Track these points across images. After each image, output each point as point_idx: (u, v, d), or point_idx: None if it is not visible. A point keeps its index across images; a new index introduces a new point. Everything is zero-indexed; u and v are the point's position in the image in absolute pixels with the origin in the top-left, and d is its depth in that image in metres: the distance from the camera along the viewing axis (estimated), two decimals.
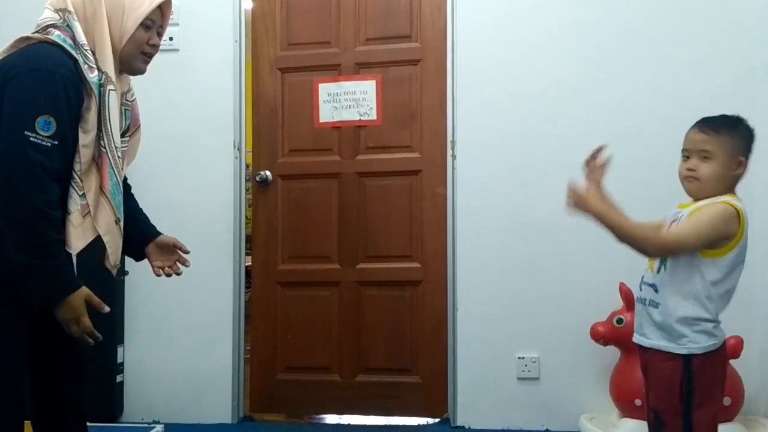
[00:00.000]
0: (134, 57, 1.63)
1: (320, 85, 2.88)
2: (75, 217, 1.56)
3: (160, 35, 1.69)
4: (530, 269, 2.70)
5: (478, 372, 2.73)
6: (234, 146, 2.87)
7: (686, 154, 1.61)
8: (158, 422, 2.79)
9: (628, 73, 2.68)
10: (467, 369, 2.74)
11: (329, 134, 2.91)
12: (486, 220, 2.73)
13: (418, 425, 2.81)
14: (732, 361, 2.33)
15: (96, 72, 1.55)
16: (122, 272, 2.86)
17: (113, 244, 1.69)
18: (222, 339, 2.85)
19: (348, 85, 2.87)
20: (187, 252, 1.88)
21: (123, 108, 1.70)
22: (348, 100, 2.87)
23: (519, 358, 2.70)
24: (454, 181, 2.77)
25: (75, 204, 1.55)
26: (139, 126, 1.80)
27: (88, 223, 1.60)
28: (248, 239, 3.02)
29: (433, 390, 2.83)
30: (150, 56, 1.68)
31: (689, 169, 1.59)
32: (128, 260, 2.84)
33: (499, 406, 2.71)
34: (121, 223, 1.70)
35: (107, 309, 1.55)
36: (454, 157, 2.77)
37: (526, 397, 2.70)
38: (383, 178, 2.89)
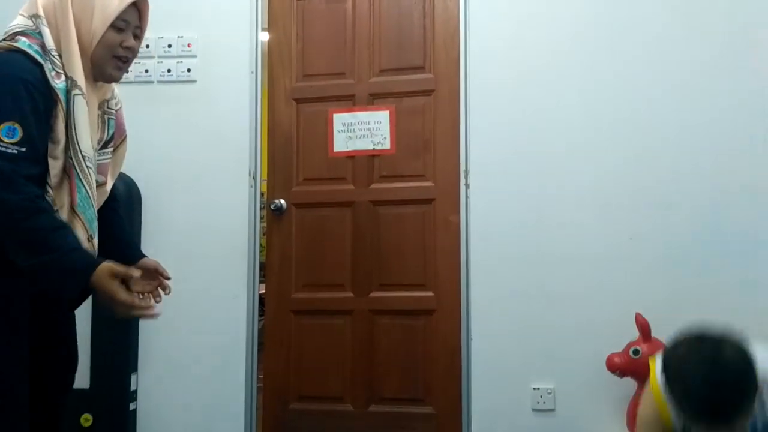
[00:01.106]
0: (106, 61, 1.52)
1: (335, 116, 2.92)
2: None
3: (138, 38, 1.57)
4: (545, 298, 2.68)
5: (493, 403, 2.70)
6: (249, 175, 2.90)
7: None
8: None
9: (645, 97, 2.69)
10: (481, 399, 2.71)
11: (343, 163, 2.93)
12: (500, 248, 2.73)
13: None
14: None
15: (63, 78, 1.47)
16: None
17: None
18: (235, 367, 2.85)
19: (362, 116, 2.90)
20: (168, 278, 1.74)
21: (106, 117, 1.63)
22: (362, 130, 2.90)
23: (534, 388, 2.67)
24: (467, 210, 2.77)
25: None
26: (126, 137, 1.73)
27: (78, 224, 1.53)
28: (262, 267, 3.03)
29: (446, 421, 2.80)
30: (125, 61, 1.56)
31: None
32: None
33: None
34: (95, 240, 1.60)
35: (137, 272, 1.48)
36: (467, 185, 2.78)
37: (542, 429, 2.66)
38: (397, 206, 2.90)
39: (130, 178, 2.81)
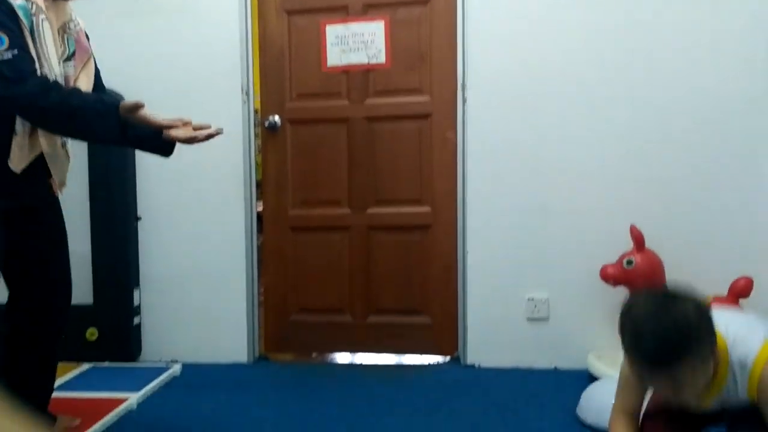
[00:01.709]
0: None
1: (328, 27, 2.83)
2: (20, 138, 1.70)
3: None
4: (541, 212, 2.71)
5: (488, 313, 2.78)
6: (242, 91, 2.85)
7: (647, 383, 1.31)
8: (175, 361, 2.87)
9: (651, 6, 2.61)
10: (477, 310, 2.79)
11: (338, 78, 2.87)
12: (497, 163, 2.72)
13: (429, 364, 2.88)
14: (741, 301, 2.36)
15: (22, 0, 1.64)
16: (136, 217, 2.89)
17: (58, 166, 1.83)
18: (236, 282, 2.90)
19: (356, 27, 2.82)
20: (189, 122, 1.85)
21: (65, 36, 1.80)
22: (356, 43, 2.82)
23: (529, 299, 2.74)
24: (464, 125, 2.75)
25: (21, 125, 1.69)
26: (91, 56, 1.90)
27: (33, 142, 1.73)
28: (258, 185, 3.03)
29: (443, 330, 2.89)
30: None
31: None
32: (140, 205, 2.89)
33: (508, 345, 2.76)
34: (68, 147, 1.88)
35: (142, 102, 1.70)
36: (464, 99, 2.74)
37: (536, 337, 2.75)
38: (393, 122, 2.87)
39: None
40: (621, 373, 1.41)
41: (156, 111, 1.78)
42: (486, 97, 2.72)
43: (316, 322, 2.99)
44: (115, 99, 1.78)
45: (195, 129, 1.79)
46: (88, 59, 1.90)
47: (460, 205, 2.80)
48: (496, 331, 2.77)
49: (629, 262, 2.46)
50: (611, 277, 2.50)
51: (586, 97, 2.67)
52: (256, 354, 2.98)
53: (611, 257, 2.53)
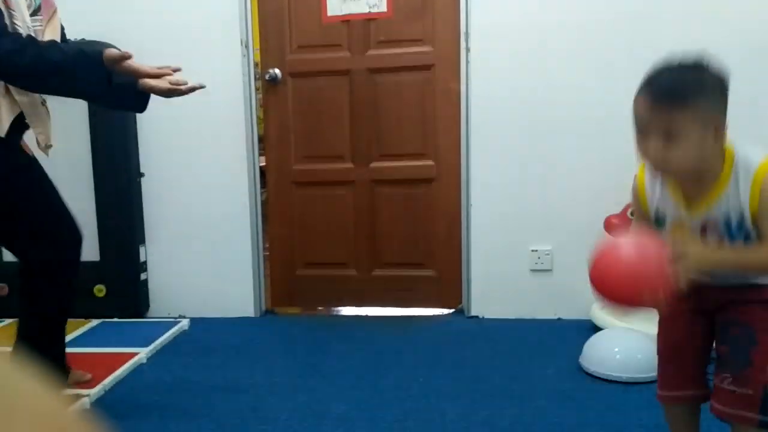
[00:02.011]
0: None
1: None
2: None
3: None
4: (545, 164, 2.69)
5: (492, 265, 2.79)
6: (242, 44, 2.80)
7: (641, 130, 1.18)
8: (183, 316, 2.91)
9: None
10: (481, 262, 2.80)
11: (338, 29, 2.82)
12: (501, 115, 2.70)
13: (433, 315, 2.91)
14: None
15: None
16: (139, 174, 2.89)
17: (39, 123, 1.80)
18: (241, 237, 2.92)
19: None
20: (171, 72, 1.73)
21: None
22: None
23: (532, 251, 2.75)
24: (468, 75, 2.71)
25: None
26: (56, 10, 1.85)
27: (10, 101, 1.70)
28: (260, 139, 3.01)
29: (447, 283, 2.91)
30: None
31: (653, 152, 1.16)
32: (144, 162, 2.88)
33: (512, 296, 2.79)
34: (48, 105, 1.84)
35: (130, 53, 1.64)
36: (468, 49, 2.69)
37: (539, 288, 2.77)
38: (395, 74, 2.83)
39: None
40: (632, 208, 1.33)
41: (154, 63, 1.73)
42: (489, 47, 2.67)
43: (321, 276, 3.01)
44: (96, 49, 1.66)
45: (172, 84, 1.68)
46: (54, 13, 1.85)
47: (464, 159, 2.78)
48: (499, 283, 2.79)
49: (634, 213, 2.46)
50: (615, 227, 2.50)
51: (590, 47, 2.62)
52: (263, 308, 3.01)
53: (615, 208, 2.53)
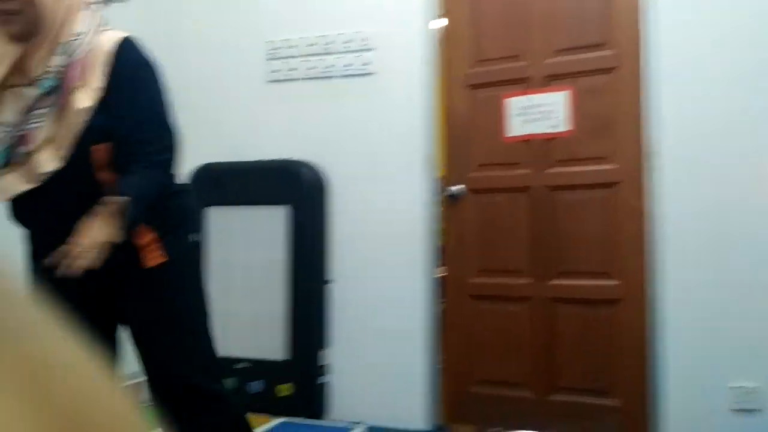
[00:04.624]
0: None
1: (509, 100, 2.87)
2: None
3: None
4: (744, 288, 2.43)
5: (685, 400, 2.51)
6: (426, 162, 2.97)
7: None
8: (359, 423, 2.95)
9: None
10: (672, 396, 2.54)
11: (519, 148, 2.88)
12: (691, 235, 2.51)
13: None
14: None
15: None
16: (326, 280, 3.08)
17: None
18: (416, 346, 2.95)
19: (537, 98, 2.82)
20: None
21: (24, 85, 1.45)
22: (537, 113, 2.82)
23: (732, 387, 2.44)
24: (653, 194, 2.59)
25: None
26: (82, 85, 1.46)
27: None
28: (439, 252, 3.10)
29: (632, 416, 2.66)
30: (8, 12, 1.40)
31: None
32: (333, 268, 3.08)
33: None
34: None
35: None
36: (653, 168, 2.59)
37: None
38: (576, 191, 2.79)
39: (316, 168, 3.04)
40: None
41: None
42: (676, 164, 2.54)
43: (495, 395, 2.92)
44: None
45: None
46: (76, 89, 1.54)
47: (652, 280, 2.61)
48: (693, 422, 2.49)
49: None
50: None
51: None
52: (436, 422, 2.97)
53: None
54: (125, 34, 1.54)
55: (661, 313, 2.57)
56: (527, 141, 2.86)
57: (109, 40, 1.50)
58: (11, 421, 0.20)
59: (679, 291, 2.54)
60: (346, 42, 3.09)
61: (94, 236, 1.39)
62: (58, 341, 0.24)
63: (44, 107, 1.44)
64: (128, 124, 1.50)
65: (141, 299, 1.57)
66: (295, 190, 3.03)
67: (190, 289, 1.62)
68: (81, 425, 0.22)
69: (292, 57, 3.18)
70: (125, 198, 1.43)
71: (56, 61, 1.45)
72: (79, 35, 1.47)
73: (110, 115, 1.47)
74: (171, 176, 1.59)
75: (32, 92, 1.44)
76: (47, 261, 1.39)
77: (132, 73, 1.51)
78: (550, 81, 2.82)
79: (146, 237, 1.52)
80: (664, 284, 2.57)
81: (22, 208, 1.54)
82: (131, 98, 1.50)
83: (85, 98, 1.45)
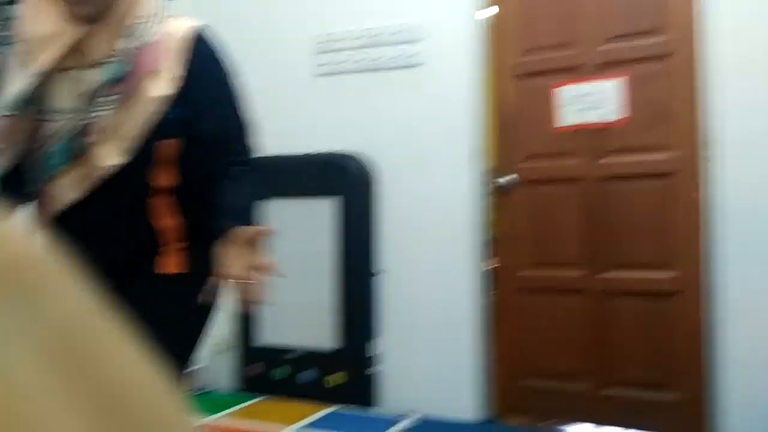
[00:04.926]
0: None
1: (560, 89, 2.82)
2: None
3: None
4: None
5: (746, 395, 2.44)
6: (474, 153, 2.95)
7: None
8: (410, 413, 2.95)
9: None
10: (732, 391, 2.47)
11: (570, 138, 2.83)
12: (752, 225, 2.43)
13: None
14: None
15: None
16: (373, 271, 3.09)
17: None
18: (468, 339, 2.94)
19: (588, 87, 2.76)
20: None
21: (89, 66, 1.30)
22: (589, 102, 2.76)
23: None
24: (712, 183, 2.51)
25: None
26: (155, 71, 1.32)
27: None
28: (489, 243, 3.08)
29: (691, 411, 2.60)
30: None
31: None
32: (386, 259, 3.09)
33: None
34: None
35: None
36: (710, 157, 2.51)
37: None
38: (630, 181, 2.73)
39: (363, 161, 3.05)
40: None
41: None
42: (734, 153, 2.46)
43: (549, 387, 2.89)
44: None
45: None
46: (145, 77, 1.42)
47: (710, 271, 2.53)
48: (753, 418, 2.43)
49: None
50: None
51: None
52: (488, 414, 2.97)
53: None
54: (197, 23, 1.39)
55: (722, 305, 2.50)
56: (579, 131, 2.81)
57: (181, 27, 1.35)
58: (36, 380, 0.19)
59: (738, 282, 2.47)
60: (392, 34, 3.08)
61: (241, 266, 1.25)
62: (91, 312, 0.22)
63: (110, 95, 1.28)
64: (212, 121, 1.37)
65: (141, 299, 1.29)
66: (343, 182, 3.05)
67: (194, 312, 1.36)
68: (114, 397, 0.21)
69: (339, 50, 3.19)
70: (259, 227, 1.32)
71: (121, 44, 1.29)
72: (145, 19, 1.32)
73: (189, 108, 1.32)
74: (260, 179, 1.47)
75: (93, 77, 1.28)
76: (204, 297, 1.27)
77: (213, 65, 1.38)
78: (603, 69, 2.75)
79: (174, 241, 1.34)
80: (723, 275, 2.50)
81: (65, 215, 1.32)
82: (215, 93, 1.38)
83: (162, 86, 1.30)
